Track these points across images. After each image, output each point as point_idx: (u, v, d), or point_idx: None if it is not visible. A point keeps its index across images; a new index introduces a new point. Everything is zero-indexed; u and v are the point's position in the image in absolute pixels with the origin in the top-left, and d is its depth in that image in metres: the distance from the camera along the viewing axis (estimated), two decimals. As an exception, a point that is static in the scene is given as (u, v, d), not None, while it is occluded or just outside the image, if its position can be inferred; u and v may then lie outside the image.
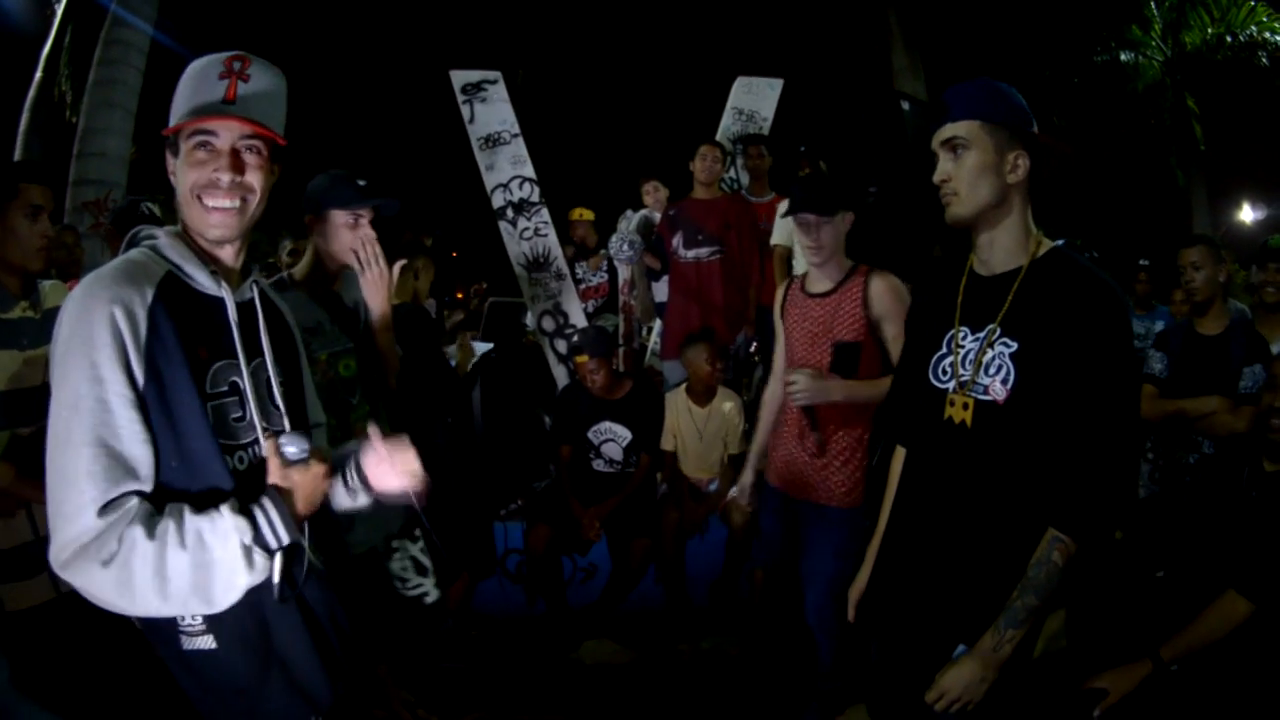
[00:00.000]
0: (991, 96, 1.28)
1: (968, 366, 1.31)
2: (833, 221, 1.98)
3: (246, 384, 1.08)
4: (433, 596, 2.12)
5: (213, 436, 1.02)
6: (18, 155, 6.92)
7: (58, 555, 0.91)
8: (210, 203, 1.04)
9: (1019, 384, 1.23)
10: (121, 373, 0.93)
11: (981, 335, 1.30)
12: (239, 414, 1.08)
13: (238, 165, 1.03)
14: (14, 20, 8.49)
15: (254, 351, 1.12)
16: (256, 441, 1.09)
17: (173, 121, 1.04)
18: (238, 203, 1.05)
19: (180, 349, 0.99)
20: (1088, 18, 10.17)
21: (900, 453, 1.57)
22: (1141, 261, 4.12)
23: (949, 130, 1.27)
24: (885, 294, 1.95)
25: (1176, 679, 1.56)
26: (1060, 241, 1.32)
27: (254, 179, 1.06)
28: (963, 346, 1.33)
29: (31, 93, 7.47)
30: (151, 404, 0.96)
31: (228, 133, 1.03)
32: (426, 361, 2.80)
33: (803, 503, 2.10)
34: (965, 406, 1.30)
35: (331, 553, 1.20)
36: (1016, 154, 1.26)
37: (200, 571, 0.93)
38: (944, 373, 1.35)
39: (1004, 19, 10.00)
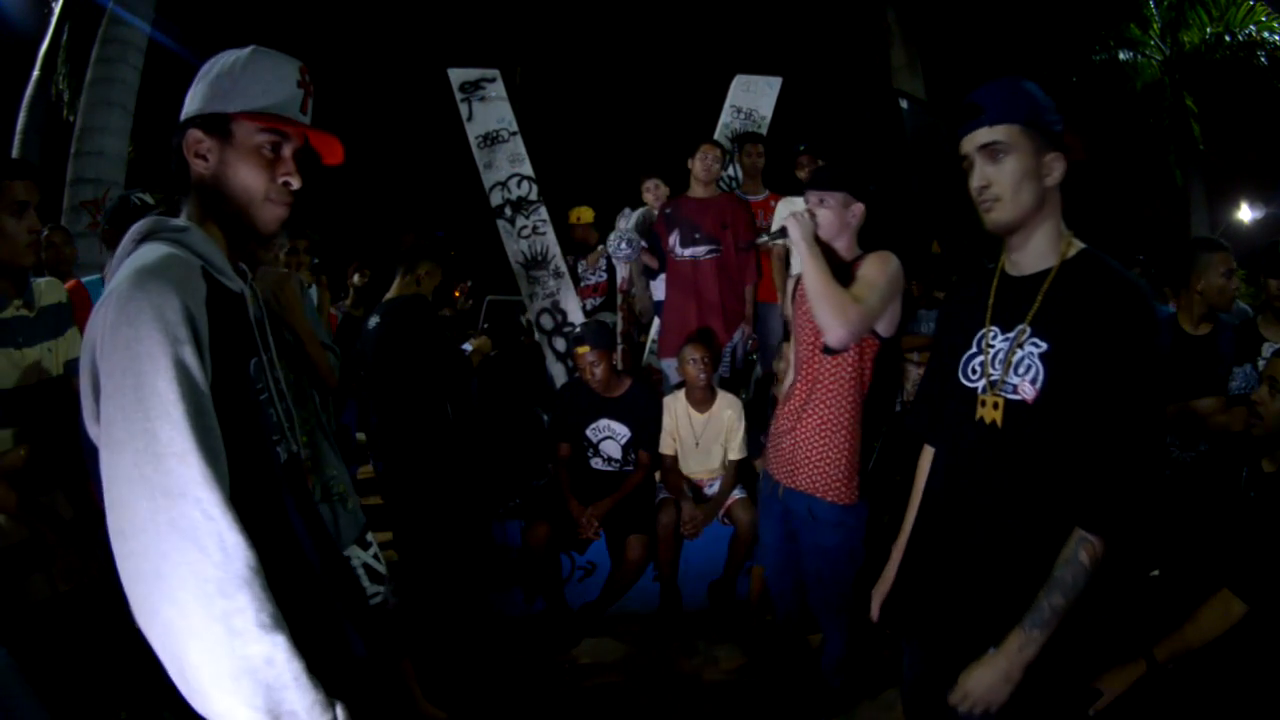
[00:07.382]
0: (1027, 98, 1.26)
1: (998, 366, 1.31)
2: (832, 202, 1.99)
3: (272, 383, 1.10)
4: (391, 603, 2.15)
5: (269, 433, 1.04)
6: (15, 154, 6.91)
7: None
8: (281, 201, 1.07)
9: (1048, 384, 1.23)
10: (204, 373, 0.88)
11: (1011, 335, 1.30)
12: (270, 411, 1.10)
13: (298, 171, 1.09)
14: (12, 19, 8.46)
15: (265, 349, 1.12)
16: (283, 440, 1.11)
17: (239, 106, 1.02)
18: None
19: (233, 346, 0.98)
20: (1086, 16, 10.18)
21: (928, 451, 1.57)
22: (1139, 256, 4.12)
23: (986, 135, 1.25)
24: (867, 260, 1.94)
25: (1171, 679, 1.56)
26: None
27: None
28: (993, 346, 1.33)
29: (29, 91, 7.47)
30: (217, 406, 0.90)
31: (295, 142, 1.08)
32: (432, 346, 2.78)
33: (798, 494, 2.09)
34: (995, 406, 1.30)
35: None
36: (1052, 156, 1.25)
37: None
38: (974, 372, 1.35)
39: (1002, 17, 9.99)
